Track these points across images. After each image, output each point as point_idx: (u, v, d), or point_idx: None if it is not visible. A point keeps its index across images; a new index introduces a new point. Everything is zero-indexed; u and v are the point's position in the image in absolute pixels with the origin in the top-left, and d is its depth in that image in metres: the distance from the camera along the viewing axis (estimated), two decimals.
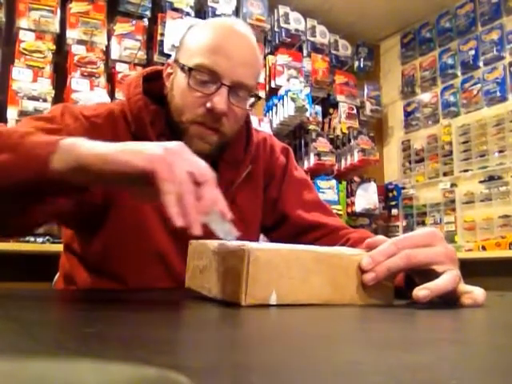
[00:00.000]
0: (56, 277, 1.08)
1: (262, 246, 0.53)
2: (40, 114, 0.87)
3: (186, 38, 0.90)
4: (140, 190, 0.57)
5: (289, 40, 3.07)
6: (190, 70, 0.84)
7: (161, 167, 0.52)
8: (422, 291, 0.54)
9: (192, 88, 0.84)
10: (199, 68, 0.83)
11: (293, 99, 2.78)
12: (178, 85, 0.87)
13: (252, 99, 0.93)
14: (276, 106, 2.87)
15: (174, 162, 0.53)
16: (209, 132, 0.85)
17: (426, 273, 0.59)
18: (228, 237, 0.55)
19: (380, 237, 0.64)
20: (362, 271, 0.57)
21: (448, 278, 0.56)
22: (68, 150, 0.57)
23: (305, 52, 3.17)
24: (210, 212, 0.53)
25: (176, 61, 0.89)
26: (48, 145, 0.58)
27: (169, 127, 0.91)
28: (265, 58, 2.99)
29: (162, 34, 2.63)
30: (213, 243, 0.59)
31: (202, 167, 0.56)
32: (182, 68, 0.86)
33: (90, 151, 0.56)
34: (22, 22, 2.32)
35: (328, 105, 3.29)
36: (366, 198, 3.18)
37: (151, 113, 0.89)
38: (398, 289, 0.62)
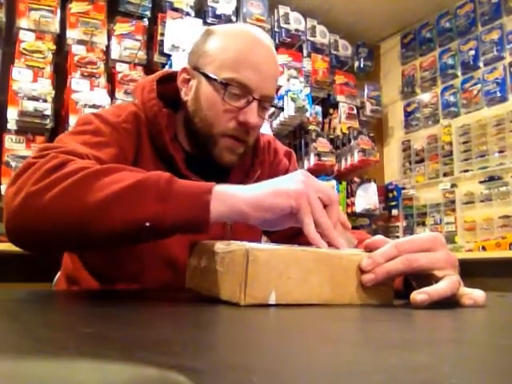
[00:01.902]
0: (56, 277, 1.08)
1: (262, 246, 0.53)
2: (75, 128, 0.83)
3: (209, 46, 0.88)
4: (280, 221, 0.63)
5: (289, 40, 3.07)
6: (224, 84, 0.84)
7: (302, 202, 0.60)
8: (420, 295, 0.54)
9: (224, 101, 0.84)
10: (231, 82, 0.83)
11: (293, 99, 2.78)
12: (205, 96, 0.87)
13: (272, 108, 0.96)
14: (282, 110, 2.87)
15: (310, 194, 0.61)
16: (238, 144, 0.87)
17: (424, 277, 0.59)
18: (350, 245, 0.64)
19: (379, 237, 0.64)
20: (361, 272, 0.57)
21: (448, 284, 0.56)
22: (222, 199, 0.61)
23: (305, 52, 3.17)
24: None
25: (197, 68, 0.88)
26: (203, 193, 0.60)
27: (187, 132, 0.92)
28: None
29: (162, 34, 2.63)
30: (213, 243, 0.59)
31: (327, 191, 0.64)
32: (210, 80, 0.86)
33: (241, 199, 0.61)
34: (22, 22, 2.32)
35: (328, 105, 3.29)
36: (366, 198, 3.18)
37: (165, 116, 0.89)
38: (397, 291, 0.62)
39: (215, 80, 0.85)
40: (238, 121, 0.85)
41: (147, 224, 0.58)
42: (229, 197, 0.61)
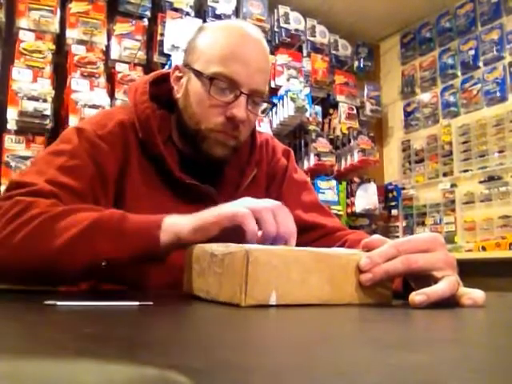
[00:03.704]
0: None
1: (261, 247, 0.53)
2: (56, 145, 0.86)
3: (198, 42, 0.88)
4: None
5: (289, 40, 3.07)
6: (210, 78, 0.83)
7: (244, 217, 0.61)
8: (418, 296, 0.54)
9: (211, 96, 0.84)
10: (218, 77, 0.83)
11: (292, 99, 2.78)
12: (193, 92, 0.87)
13: (264, 104, 0.95)
14: (276, 106, 2.87)
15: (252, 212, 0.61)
16: (228, 137, 0.86)
17: (423, 278, 0.58)
18: None
19: (376, 236, 0.63)
20: (359, 271, 0.57)
21: (446, 285, 0.56)
22: (169, 227, 0.65)
23: (305, 52, 3.17)
24: None
25: (187, 65, 0.89)
26: (154, 227, 0.65)
27: (179, 131, 0.92)
28: None
29: (162, 34, 2.63)
30: (211, 246, 0.59)
31: (277, 207, 0.64)
32: (198, 75, 0.85)
33: (184, 226, 0.65)
34: (22, 22, 2.32)
35: (328, 105, 3.29)
36: (366, 198, 3.18)
37: (158, 118, 0.89)
38: (396, 292, 0.62)
39: (202, 75, 0.84)
40: (226, 116, 0.84)
41: (104, 263, 0.64)
42: (175, 225, 0.66)
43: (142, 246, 0.65)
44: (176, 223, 0.66)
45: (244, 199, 0.67)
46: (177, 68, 0.92)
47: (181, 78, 0.91)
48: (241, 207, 0.62)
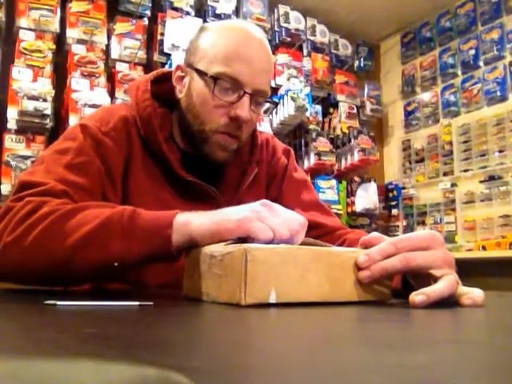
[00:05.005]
0: None
1: (259, 246, 0.53)
2: (61, 142, 0.84)
3: (201, 42, 0.89)
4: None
5: (289, 39, 3.07)
6: (214, 78, 0.84)
7: (253, 227, 0.58)
8: (418, 296, 0.54)
9: (215, 96, 0.84)
10: (222, 76, 0.83)
11: (293, 99, 2.78)
12: (197, 92, 0.87)
13: (266, 104, 0.95)
14: (276, 105, 2.87)
15: (265, 218, 0.59)
16: (230, 141, 0.87)
17: (422, 276, 0.58)
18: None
19: (375, 234, 0.63)
20: (358, 268, 0.57)
21: (446, 284, 0.56)
22: (181, 227, 0.63)
23: (305, 51, 3.17)
24: None
25: (190, 65, 0.89)
26: (164, 228, 0.63)
27: (181, 130, 0.92)
28: None
29: (162, 34, 2.63)
30: (210, 248, 0.59)
31: (290, 220, 0.61)
32: (202, 75, 0.86)
33: (199, 228, 0.62)
34: (22, 22, 2.32)
35: (328, 104, 3.29)
36: (366, 197, 3.18)
37: (159, 116, 0.89)
38: (395, 290, 0.62)
39: (206, 75, 0.85)
40: (230, 116, 0.84)
41: (115, 264, 0.63)
42: (188, 225, 0.63)
43: (154, 246, 0.63)
44: (189, 222, 0.63)
45: (262, 202, 0.63)
46: (179, 68, 0.92)
47: (183, 77, 0.91)
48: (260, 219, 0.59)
